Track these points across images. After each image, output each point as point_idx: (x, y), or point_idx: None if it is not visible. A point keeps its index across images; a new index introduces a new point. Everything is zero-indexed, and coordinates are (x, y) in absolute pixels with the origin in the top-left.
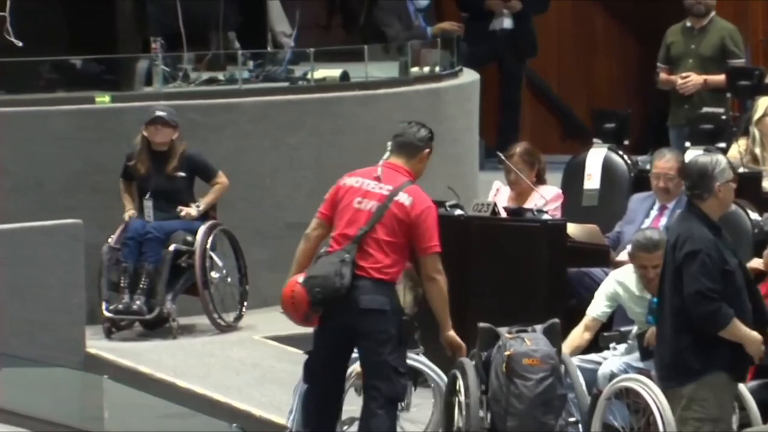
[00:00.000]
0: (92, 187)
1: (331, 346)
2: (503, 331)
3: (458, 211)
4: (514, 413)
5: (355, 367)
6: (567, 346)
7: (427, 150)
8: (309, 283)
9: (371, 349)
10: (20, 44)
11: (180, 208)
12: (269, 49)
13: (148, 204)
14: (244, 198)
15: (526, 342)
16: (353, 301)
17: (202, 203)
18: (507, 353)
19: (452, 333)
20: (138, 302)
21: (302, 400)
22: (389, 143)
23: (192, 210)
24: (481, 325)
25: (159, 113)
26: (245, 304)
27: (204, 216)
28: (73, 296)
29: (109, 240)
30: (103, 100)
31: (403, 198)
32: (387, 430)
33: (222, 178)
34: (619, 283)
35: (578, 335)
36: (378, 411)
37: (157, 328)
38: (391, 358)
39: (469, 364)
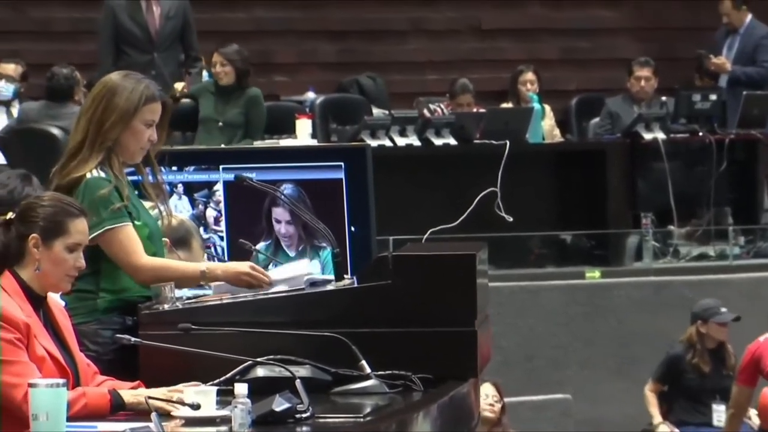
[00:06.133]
0: (581, 362)
1: None
2: None
3: None
4: None
5: None
6: None
7: None
8: None
9: None
10: (510, 219)
11: None
12: (762, 224)
13: (719, 408)
14: None
15: None
16: None
17: None
18: None
19: None
20: None
21: None
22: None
23: None
24: None
25: (728, 313)
26: None
27: None
28: None
29: None
30: (593, 275)
31: None
32: None
33: None
34: None
35: None
36: None
37: None
38: None
39: None
